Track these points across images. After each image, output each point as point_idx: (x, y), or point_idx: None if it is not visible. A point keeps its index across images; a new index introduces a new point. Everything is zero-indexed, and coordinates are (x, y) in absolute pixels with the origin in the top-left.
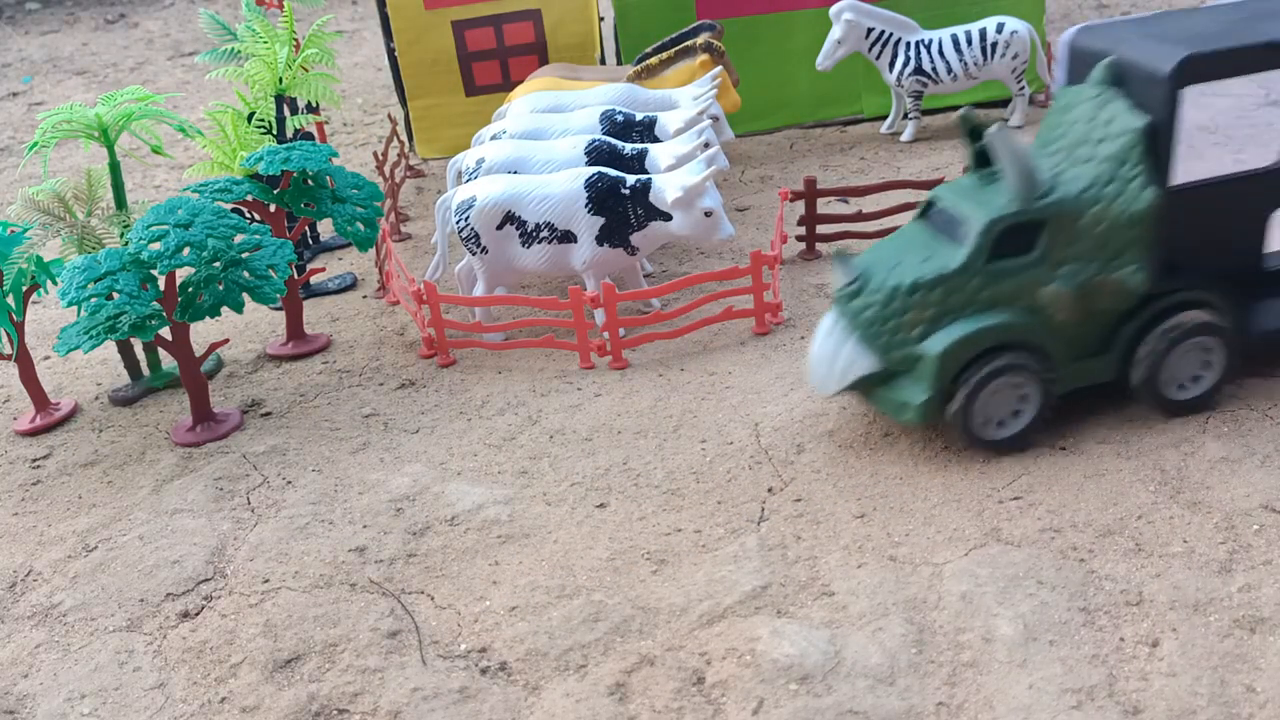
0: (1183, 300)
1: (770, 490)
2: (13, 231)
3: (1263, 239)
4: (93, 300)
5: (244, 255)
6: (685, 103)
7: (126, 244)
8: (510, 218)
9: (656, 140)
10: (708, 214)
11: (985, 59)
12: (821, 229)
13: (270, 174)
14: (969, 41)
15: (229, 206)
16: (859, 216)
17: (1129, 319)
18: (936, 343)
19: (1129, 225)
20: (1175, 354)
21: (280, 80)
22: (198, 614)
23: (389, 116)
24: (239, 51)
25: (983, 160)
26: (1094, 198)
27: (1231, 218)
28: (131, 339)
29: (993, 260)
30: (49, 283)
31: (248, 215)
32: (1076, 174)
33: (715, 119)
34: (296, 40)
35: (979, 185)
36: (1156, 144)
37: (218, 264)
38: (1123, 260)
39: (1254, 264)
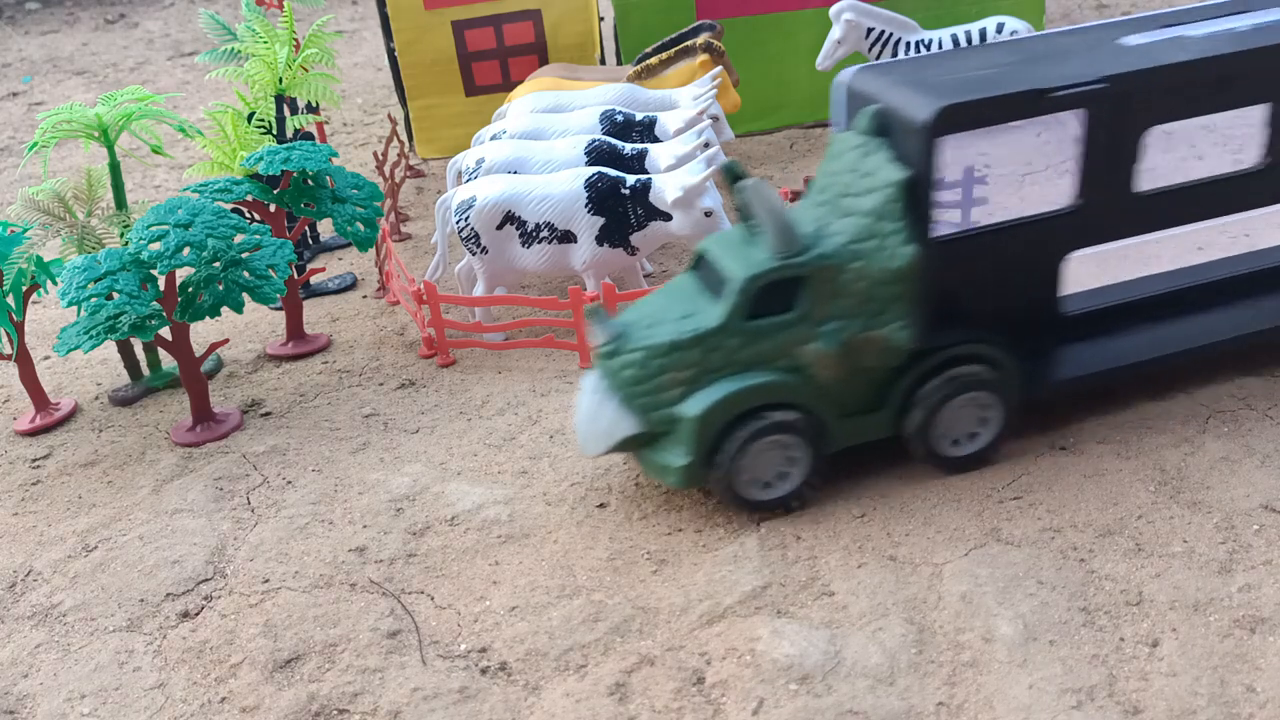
0: (958, 354)
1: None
2: (13, 231)
3: (1056, 285)
4: (93, 300)
5: (244, 255)
6: (685, 103)
7: (126, 244)
8: (510, 218)
9: (656, 140)
10: (708, 214)
11: None
12: None
13: (270, 174)
14: (969, 42)
15: (229, 206)
16: None
17: (902, 375)
18: (694, 404)
19: (890, 281)
20: (949, 410)
21: (280, 80)
22: (198, 614)
23: (389, 116)
24: (239, 51)
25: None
26: (855, 253)
27: (1014, 265)
28: (131, 339)
29: (752, 318)
30: (49, 283)
31: (248, 215)
32: (840, 228)
33: (715, 119)
34: (296, 40)
35: (746, 238)
36: (917, 197)
37: (218, 264)
38: (887, 317)
39: (1049, 310)
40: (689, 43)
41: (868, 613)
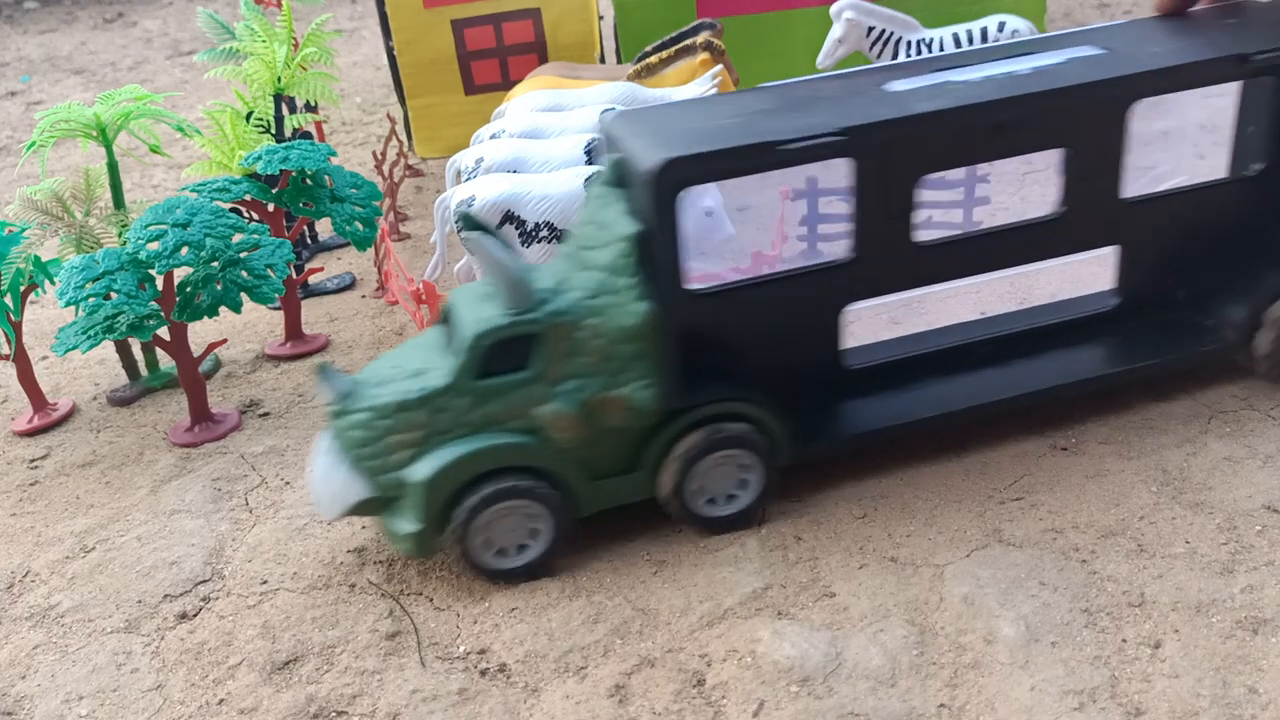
0: (715, 413)
1: (770, 490)
2: (11, 231)
3: (834, 339)
4: (90, 300)
5: (242, 255)
6: None
7: (125, 244)
8: (509, 217)
9: None
10: (708, 214)
11: None
12: (823, 229)
13: (269, 173)
14: (970, 40)
15: (227, 206)
16: None
17: (656, 434)
18: (422, 469)
19: (626, 340)
20: (702, 469)
21: (279, 79)
22: (196, 615)
23: (388, 116)
24: (237, 50)
25: None
26: (591, 309)
27: (784, 320)
28: (129, 339)
29: (483, 377)
30: (47, 282)
31: (246, 215)
32: (579, 282)
33: None
34: (295, 39)
35: (488, 292)
36: (650, 252)
37: (216, 264)
38: (628, 376)
39: (827, 365)
40: (689, 41)
41: (869, 614)
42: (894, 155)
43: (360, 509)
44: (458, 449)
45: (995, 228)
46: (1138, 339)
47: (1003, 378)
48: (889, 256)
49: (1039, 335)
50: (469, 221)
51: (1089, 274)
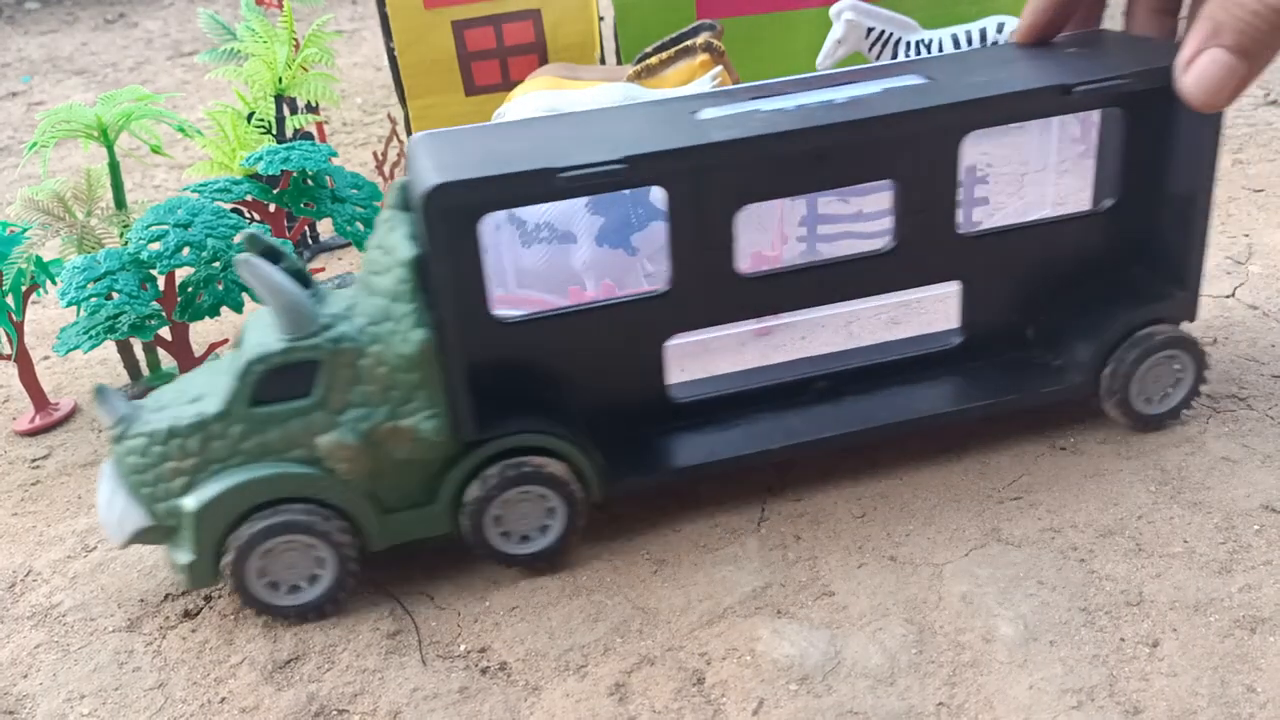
0: (518, 445)
1: (770, 490)
2: (12, 231)
3: (654, 372)
4: (92, 300)
5: None
6: None
7: (126, 244)
8: (510, 217)
9: None
10: None
11: None
12: (822, 229)
13: (270, 174)
14: (969, 41)
15: (229, 206)
16: (860, 216)
17: (452, 467)
18: (194, 499)
19: (407, 368)
20: (501, 505)
21: (280, 80)
22: (197, 614)
23: (388, 116)
24: (238, 51)
25: (304, 281)
26: (373, 336)
27: (599, 352)
28: (131, 339)
29: (260, 404)
30: (48, 283)
31: (247, 215)
32: (364, 308)
33: None
34: (296, 40)
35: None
36: (434, 279)
37: (217, 264)
38: (413, 406)
39: (647, 398)
40: (689, 42)
41: (868, 613)
42: (697, 185)
43: (143, 537)
44: (230, 479)
45: (824, 261)
46: (981, 378)
47: (835, 415)
48: (709, 289)
49: (878, 372)
50: (253, 243)
51: None
